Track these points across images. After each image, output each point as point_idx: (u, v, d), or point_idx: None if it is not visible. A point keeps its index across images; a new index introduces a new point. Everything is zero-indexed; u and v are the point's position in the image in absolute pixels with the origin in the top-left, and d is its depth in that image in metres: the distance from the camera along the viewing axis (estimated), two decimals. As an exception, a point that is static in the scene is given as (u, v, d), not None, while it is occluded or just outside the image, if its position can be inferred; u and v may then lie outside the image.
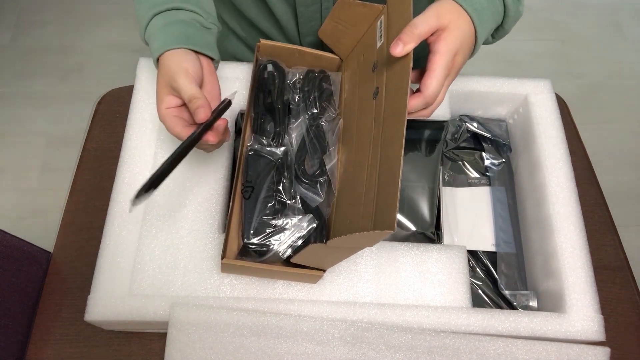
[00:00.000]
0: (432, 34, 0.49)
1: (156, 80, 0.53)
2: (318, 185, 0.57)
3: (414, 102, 0.49)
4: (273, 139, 0.59)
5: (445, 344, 0.54)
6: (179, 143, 0.49)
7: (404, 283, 0.57)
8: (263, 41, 0.62)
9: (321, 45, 0.67)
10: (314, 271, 0.52)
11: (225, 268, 0.54)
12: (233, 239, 0.56)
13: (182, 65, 0.51)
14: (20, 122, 1.56)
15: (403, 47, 0.46)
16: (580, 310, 0.56)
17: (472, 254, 0.65)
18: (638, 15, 1.90)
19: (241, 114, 0.67)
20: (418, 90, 0.49)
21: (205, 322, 0.53)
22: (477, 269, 0.64)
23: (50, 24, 1.74)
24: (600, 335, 0.55)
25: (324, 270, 0.52)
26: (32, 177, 1.46)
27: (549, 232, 0.61)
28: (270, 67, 0.62)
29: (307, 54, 0.64)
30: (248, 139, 0.58)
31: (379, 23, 0.55)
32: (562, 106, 0.77)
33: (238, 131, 0.66)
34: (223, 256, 0.51)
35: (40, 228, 1.36)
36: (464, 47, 0.51)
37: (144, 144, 0.62)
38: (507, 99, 0.71)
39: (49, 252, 0.66)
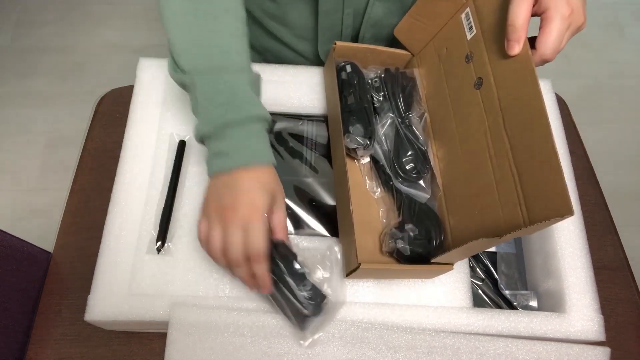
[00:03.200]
0: (533, 4, 0.46)
1: (248, 182, 0.49)
2: (422, 182, 0.58)
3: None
4: (365, 137, 0.59)
5: (446, 344, 0.54)
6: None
7: (404, 283, 0.57)
8: (339, 43, 0.62)
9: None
10: (442, 266, 0.53)
11: (360, 274, 0.53)
12: (364, 243, 0.57)
13: (282, 193, 0.52)
14: (20, 122, 1.56)
15: (518, 45, 0.46)
16: (580, 310, 0.56)
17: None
18: (638, 15, 1.90)
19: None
20: (532, 46, 0.47)
21: (205, 323, 0.53)
22: (477, 269, 0.64)
23: (50, 24, 1.74)
24: (600, 335, 0.55)
25: (452, 264, 0.54)
26: (32, 177, 1.46)
27: (549, 232, 0.61)
28: (348, 69, 0.63)
29: (380, 52, 0.65)
30: (336, 140, 0.60)
31: (464, 15, 0.55)
32: (562, 106, 0.77)
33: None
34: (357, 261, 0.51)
35: (40, 228, 1.36)
36: None
37: (144, 144, 0.62)
38: (507, 99, 0.71)
39: (49, 252, 0.66)
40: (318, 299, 0.51)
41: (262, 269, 0.48)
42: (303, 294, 0.51)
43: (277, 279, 0.51)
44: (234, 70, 0.52)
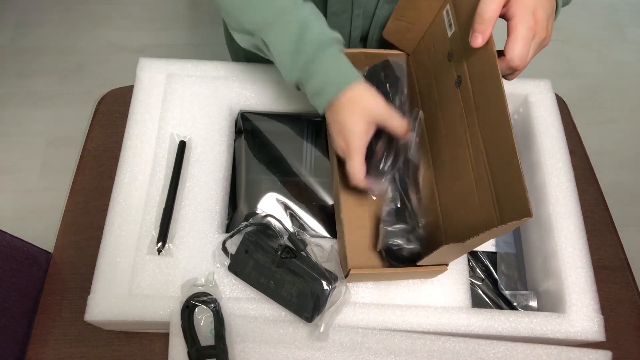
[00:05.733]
0: (503, 5, 0.47)
1: (350, 110, 0.53)
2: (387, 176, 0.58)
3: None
4: None
5: (445, 348, 0.54)
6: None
7: (404, 283, 0.57)
8: None
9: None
10: (436, 267, 0.54)
11: (352, 278, 0.54)
12: (356, 249, 0.57)
13: (379, 106, 0.53)
14: (20, 122, 1.56)
15: (482, 37, 0.46)
16: (580, 310, 0.56)
17: (472, 254, 0.65)
18: (638, 15, 1.90)
19: (242, 115, 0.67)
20: (502, 55, 0.47)
21: (205, 324, 0.53)
22: (477, 269, 0.64)
23: (50, 24, 1.74)
24: (600, 336, 0.55)
25: (446, 265, 0.54)
26: (32, 177, 1.46)
27: (549, 232, 0.61)
28: None
29: (374, 55, 0.64)
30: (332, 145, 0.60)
31: (445, 12, 0.55)
32: (562, 106, 0.77)
33: (238, 131, 0.66)
34: (348, 267, 0.52)
35: (40, 228, 1.36)
36: (541, 1, 0.48)
37: (144, 144, 0.62)
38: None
39: (49, 252, 0.66)
40: (330, 277, 0.54)
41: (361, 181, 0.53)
42: (321, 268, 0.54)
43: (291, 265, 0.53)
44: (290, 11, 0.54)
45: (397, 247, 0.54)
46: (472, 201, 0.49)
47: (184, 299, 0.52)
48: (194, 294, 0.53)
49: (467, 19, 0.50)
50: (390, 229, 0.56)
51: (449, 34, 0.54)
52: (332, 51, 0.54)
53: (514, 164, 0.42)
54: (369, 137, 0.53)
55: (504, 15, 0.47)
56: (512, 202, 0.42)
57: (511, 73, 0.49)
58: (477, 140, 0.49)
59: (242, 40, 0.59)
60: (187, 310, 0.52)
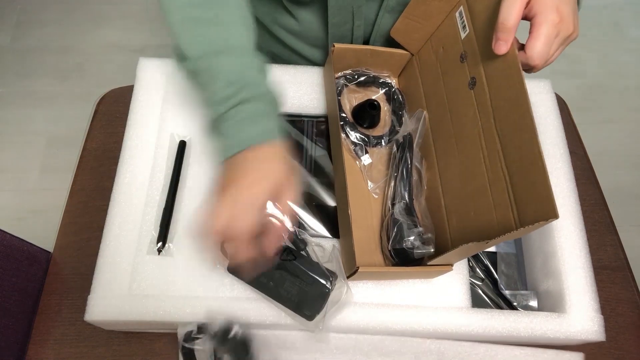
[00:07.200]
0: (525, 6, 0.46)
1: (251, 171, 0.47)
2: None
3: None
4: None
5: (431, 349, 0.55)
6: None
7: (404, 283, 0.57)
8: (337, 45, 0.63)
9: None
10: (441, 267, 0.54)
11: (360, 276, 0.54)
12: (361, 247, 0.57)
13: (289, 180, 0.48)
14: (20, 122, 1.56)
15: (506, 45, 0.46)
16: (580, 310, 0.56)
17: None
18: (638, 15, 1.90)
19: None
20: (522, 48, 0.47)
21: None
22: (477, 269, 0.64)
23: (50, 24, 1.74)
24: (600, 335, 0.55)
25: (452, 265, 0.54)
26: (32, 177, 1.46)
27: (549, 232, 0.61)
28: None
29: (379, 53, 0.65)
30: (336, 142, 0.61)
31: (457, 14, 0.55)
32: (562, 106, 0.77)
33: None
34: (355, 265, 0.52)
35: (40, 228, 1.36)
36: None
37: (144, 144, 0.62)
38: (507, 99, 0.71)
39: (49, 252, 0.66)
40: (330, 276, 0.54)
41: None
42: (322, 268, 0.54)
43: (292, 265, 0.53)
44: (231, 53, 0.50)
45: (411, 249, 0.54)
46: (485, 203, 0.49)
47: (180, 342, 0.52)
48: (189, 333, 0.52)
49: (484, 22, 0.50)
50: (405, 230, 0.56)
51: (462, 35, 0.54)
52: (253, 107, 0.49)
53: (539, 165, 0.42)
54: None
55: (525, 16, 0.47)
56: (536, 203, 0.42)
57: (529, 69, 0.48)
58: (493, 141, 0.49)
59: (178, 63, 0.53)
60: (185, 349, 0.52)
